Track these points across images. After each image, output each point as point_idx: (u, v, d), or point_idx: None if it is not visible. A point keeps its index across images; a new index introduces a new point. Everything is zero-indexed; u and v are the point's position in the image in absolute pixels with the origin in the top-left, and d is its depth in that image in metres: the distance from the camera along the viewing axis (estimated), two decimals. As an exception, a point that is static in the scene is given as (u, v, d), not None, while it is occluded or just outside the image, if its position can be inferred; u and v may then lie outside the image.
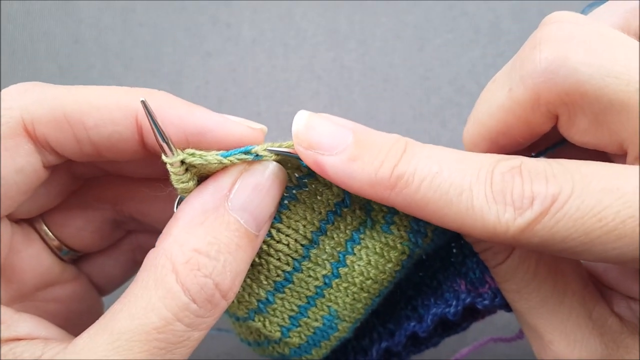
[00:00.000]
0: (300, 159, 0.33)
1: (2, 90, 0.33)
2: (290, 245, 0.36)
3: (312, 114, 0.32)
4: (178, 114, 0.33)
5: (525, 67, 0.30)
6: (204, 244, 0.30)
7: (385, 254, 0.37)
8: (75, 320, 0.40)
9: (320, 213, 0.36)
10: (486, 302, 0.38)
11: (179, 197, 0.34)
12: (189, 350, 0.31)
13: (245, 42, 0.65)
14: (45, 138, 0.33)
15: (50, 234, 0.40)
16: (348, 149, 0.31)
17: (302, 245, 0.36)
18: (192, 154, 0.32)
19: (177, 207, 0.34)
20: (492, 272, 0.36)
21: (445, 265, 0.41)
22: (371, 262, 0.37)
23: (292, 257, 0.36)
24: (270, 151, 0.33)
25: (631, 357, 0.32)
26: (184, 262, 0.30)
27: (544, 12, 0.65)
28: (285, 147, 0.33)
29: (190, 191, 0.33)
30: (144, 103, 0.29)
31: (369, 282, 0.37)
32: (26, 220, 0.39)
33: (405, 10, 0.66)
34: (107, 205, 0.41)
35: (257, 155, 0.33)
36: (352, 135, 0.31)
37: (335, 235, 0.37)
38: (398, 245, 0.37)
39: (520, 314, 0.35)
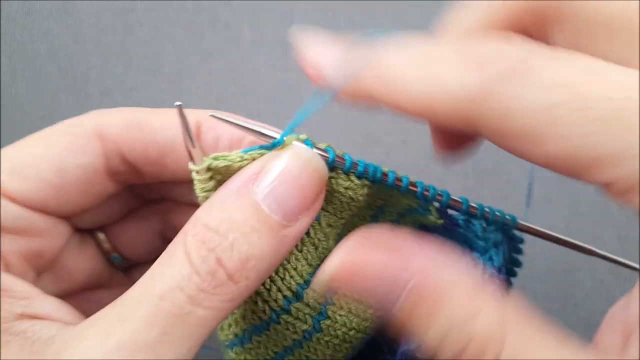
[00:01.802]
0: (330, 165, 0.31)
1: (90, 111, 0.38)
2: (272, 292, 0.33)
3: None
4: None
5: None
6: (216, 220, 0.29)
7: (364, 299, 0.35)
8: None
9: (310, 265, 0.34)
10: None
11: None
12: (195, 332, 0.28)
13: (245, 43, 0.65)
14: (116, 140, 0.36)
15: (105, 240, 0.42)
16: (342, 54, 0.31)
17: (284, 296, 0.33)
18: (216, 157, 0.31)
19: None
20: None
21: None
22: (352, 310, 0.35)
23: (269, 305, 0.33)
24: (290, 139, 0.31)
25: None
26: (193, 234, 0.29)
27: (544, 12, 0.65)
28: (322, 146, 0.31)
29: None
30: (179, 107, 0.30)
31: (352, 332, 0.35)
32: (86, 229, 0.42)
33: (405, 10, 0.66)
34: (158, 217, 0.43)
35: (277, 143, 0.31)
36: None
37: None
38: None
39: None
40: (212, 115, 0.32)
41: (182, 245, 0.29)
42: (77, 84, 0.64)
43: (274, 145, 0.31)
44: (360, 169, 0.32)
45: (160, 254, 0.45)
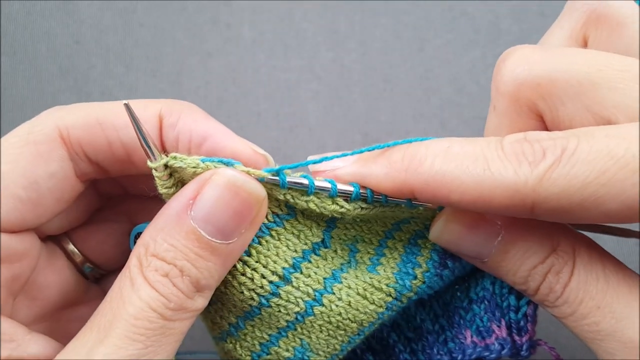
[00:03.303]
0: (283, 186, 0.33)
1: (45, 111, 0.36)
2: (255, 280, 0.35)
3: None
4: (194, 118, 0.35)
5: (497, 80, 0.33)
6: (161, 250, 0.31)
7: (369, 295, 0.36)
8: None
9: (295, 251, 0.35)
10: (493, 355, 0.36)
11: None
12: (172, 340, 0.32)
13: (245, 43, 0.65)
14: (79, 142, 0.35)
15: (75, 249, 0.41)
16: (357, 158, 0.33)
17: (269, 281, 0.35)
18: (174, 157, 0.32)
19: None
20: (559, 307, 0.32)
21: (448, 309, 0.40)
22: (351, 303, 0.36)
23: (256, 292, 0.35)
24: (249, 172, 0.32)
25: None
26: (146, 264, 0.32)
27: (544, 12, 0.65)
28: (271, 176, 0.33)
29: None
30: (127, 106, 0.31)
31: (346, 321, 0.36)
32: (51, 238, 0.40)
33: (405, 10, 0.66)
34: (124, 218, 0.43)
35: (230, 162, 0.32)
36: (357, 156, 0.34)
37: (312, 274, 0.36)
38: (384, 286, 0.36)
39: (608, 335, 0.31)
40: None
41: (140, 274, 0.32)
42: (77, 84, 0.64)
43: (229, 163, 0.32)
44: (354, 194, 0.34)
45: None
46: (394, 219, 0.38)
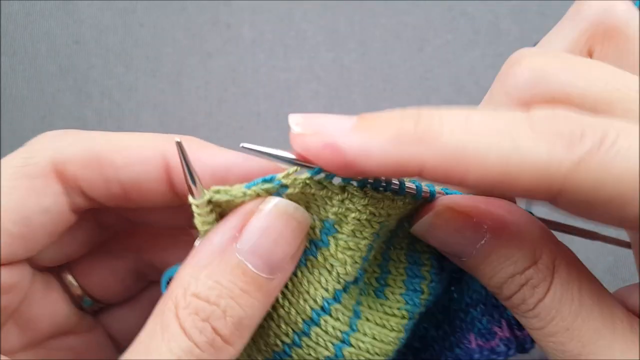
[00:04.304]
0: (315, 172, 0.30)
1: (39, 135, 0.34)
2: (291, 315, 0.32)
3: (306, 113, 0.30)
4: (209, 153, 0.33)
5: (509, 82, 0.31)
6: (204, 288, 0.29)
7: (386, 323, 0.34)
8: None
9: (327, 290, 0.33)
10: (501, 357, 0.36)
11: (197, 240, 0.33)
12: None
13: (245, 43, 0.65)
14: (75, 178, 0.33)
15: (75, 283, 0.39)
16: (357, 123, 0.27)
17: (302, 319, 0.32)
18: (217, 191, 0.30)
19: None
20: (529, 319, 0.32)
21: (449, 313, 0.39)
22: (375, 336, 0.34)
23: (292, 329, 0.32)
24: (288, 176, 0.30)
25: None
26: (184, 307, 0.29)
27: (544, 12, 0.65)
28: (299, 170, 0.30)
29: None
30: (179, 144, 0.29)
31: (375, 357, 0.34)
32: (50, 269, 0.39)
33: (405, 10, 0.66)
34: (130, 253, 0.41)
35: (281, 184, 0.30)
36: (355, 117, 0.28)
37: (340, 316, 0.33)
38: (395, 311, 0.35)
39: (572, 357, 0.31)
40: (243, 147, 0.30)
41: (174, 317, 0.29)
42: (77, 84, 0.64)
43: (272, 179, 0.30)
44: (375, 183, 0.31)
45: (134, 293, 0.43)
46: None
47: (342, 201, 0.31)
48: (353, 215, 0.31)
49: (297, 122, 0.28)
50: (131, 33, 0.65)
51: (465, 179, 0.26)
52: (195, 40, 0.65)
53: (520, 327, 0.37)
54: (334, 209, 0.31)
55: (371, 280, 0.35)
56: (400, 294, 0.35)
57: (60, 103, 0.64)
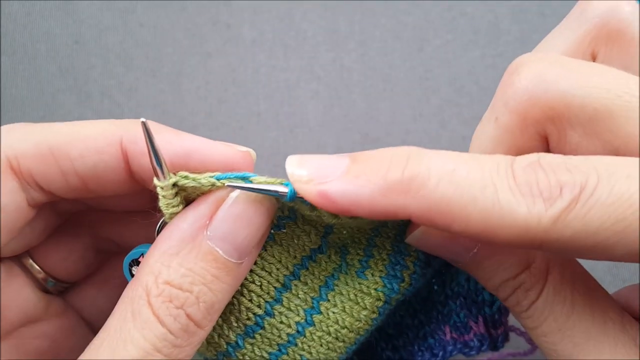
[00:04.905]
0: (289, 198, 0.31)
1: None
2: (263, 287, 0.34)
3: (302, 155, 0.31)
4: (166, 138, 0.33)
5: (507, 92, 0.31)
6: (177, 276, 0.30)
7: (360, 300, 0.36)
8: (65, 357, 0.40)
9: (295, 257, 0.35)
10: (473, 352, 0.37)
11: (160, 222, 0.33)
12: None
13: (245, 43, 0.65)
14: (31, 173, 0.33)
15: (36, 267, 0.39)
16: (348, 168, 0.28)
17: (274, 287, 0.34)
18: (185, 177, 0.31)
19: (157, 233, 0.33)
20: (523, 319, 0.33)
21: (426, 304, 0.39)
22: (345, 309, 0.35)
23: (263, 299, 0.34)
24: (260, 190, 0.31)
25: None
26: (157, 294, 0.30)
27: (544, 12, 0.65)
28: (279, 182, 0.31)
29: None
30: (144, 124, 0.29)
31: (344, 330, 0.36)
32: (10, 257, 0.38)
33: (405, 10, 0.66)
34: (87, 230, 0.41)
35: (251, 183, 0.31)
36: (348, 157, 0.29)
37: (308, 281, 0.35)
38: (372, 291, 0.36)
39: (564, 357, 0.32)
40: (228, 186, 0.31)
41: (147, 304, 0.30)
42: (77, 84, 0.64)
43: (245, 177, 0.31)
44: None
45: (95, 268, 0.43)
46: None
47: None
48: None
49: (292, 164, 0.30)
50: (131, 33, 0.65)
51: (450, 228, 0.27)
52: (195, 40, 0.65)
53: (495, 325, 0.38)
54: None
55: (354, 261, 0.37)
56: (380, 277, 0.36)
57: (60, 103, 0.64)
